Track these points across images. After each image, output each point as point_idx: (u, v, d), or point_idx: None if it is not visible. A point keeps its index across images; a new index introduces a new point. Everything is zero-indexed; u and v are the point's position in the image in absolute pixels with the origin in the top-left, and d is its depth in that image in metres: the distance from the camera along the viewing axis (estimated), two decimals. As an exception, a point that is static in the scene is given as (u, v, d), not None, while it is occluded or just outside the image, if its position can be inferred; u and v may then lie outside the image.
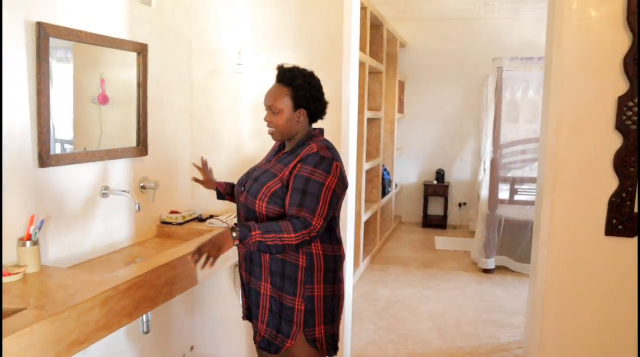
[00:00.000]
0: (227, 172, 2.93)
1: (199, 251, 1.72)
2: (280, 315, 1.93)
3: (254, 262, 1.96)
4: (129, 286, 1.85)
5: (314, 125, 2.07)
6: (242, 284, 2.11)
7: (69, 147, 2.28)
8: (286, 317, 1.92)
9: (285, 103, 1.94)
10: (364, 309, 4.15)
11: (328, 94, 2.89)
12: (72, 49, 2.28)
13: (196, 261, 1.72)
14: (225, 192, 2.31)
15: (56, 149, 2.18)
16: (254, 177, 1.98)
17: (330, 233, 1.97)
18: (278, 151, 2.09)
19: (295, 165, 1.89)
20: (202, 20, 3.01)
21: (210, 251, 1.73)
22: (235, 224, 1.80)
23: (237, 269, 2.13)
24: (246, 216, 1.97)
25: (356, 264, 4.89)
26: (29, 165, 2.03)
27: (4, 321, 1.48)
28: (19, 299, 1.69)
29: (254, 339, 2.06)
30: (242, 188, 2.01)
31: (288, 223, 1.78)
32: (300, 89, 1.95)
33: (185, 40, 2.99)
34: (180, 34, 2.94)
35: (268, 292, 1.94)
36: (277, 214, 1.88)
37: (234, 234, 1.74)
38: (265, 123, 2.00)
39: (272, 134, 2.00)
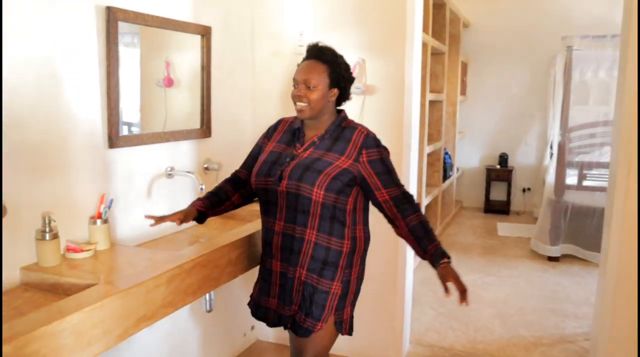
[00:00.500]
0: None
1: (464, 289, 1.75)
2: (312, 300, 1.92)
3: (294, 251, 1.93)
4: (193, 265, 1.89)
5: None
6: (268, 276, 2.02)
7: (136, 130, 2.35)
8: (318, 302, 1.92)
9: (322, 79, 1.88)
10: (423, 294, 4.10)
11: (390, 76, 2.86)
12: (139, 34, 2.34)
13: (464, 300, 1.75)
14: (210, 207, 2.09)
15: (124, 130, 2.25)
16: (302, 165, 1.88)
17: (365, 214, 2.02)
18: (294, 134, 2.00)
19: (359, 154, 1.88)
20: (264, 2, 3.01)
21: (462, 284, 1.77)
22: (431, 254, 1.85)
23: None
24: (288, 205, 1.90)
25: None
26: (100, 146, 2.09)
27: (76, 295, 1.54)
28: (91, 274, 1.76)
29: (280, 323, 2.03)
30: (279, 177, 1.90)
31: (415, 204, 1.91)
32: (338, 68, 1.92)
33: (248, 23, 3.00)
34: (243, 16, 2.95)
35: (302, 278, 1.93)
36: (331, 201, 1.87)
37: (448, 260, 1.83)
38: (294, 98, 1.91)
39: (301, 110, 1.90)
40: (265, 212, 1.99)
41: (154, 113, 2.53)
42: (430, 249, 1.84)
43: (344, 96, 1.98)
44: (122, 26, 2.16)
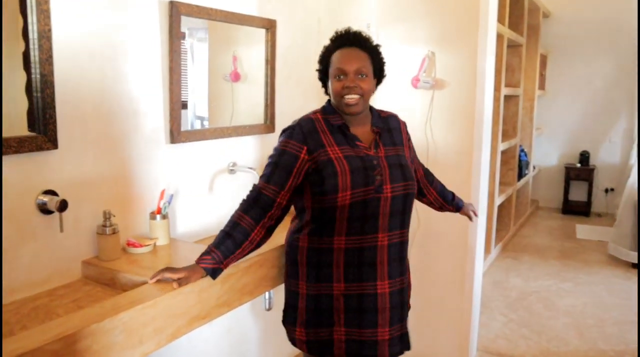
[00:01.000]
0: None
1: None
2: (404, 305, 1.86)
3: (403, 257, 1.80)
4: (250, 264, 1.85)
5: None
6: (372, 303, 1.73)
7: (204, 124, 2.36)
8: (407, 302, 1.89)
9: (370, 68, 1.71)
10: (494, 299, 3.91)
11: (461, 70, 2.72)
12: (207, 28, 2.34)
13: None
14: (226, 256, 1.65)
15: (190, 125, 2.26)
16: (394, 163, 1.72)
17: None
18: (342, 133, 1.72)
19: (408, 139, 1.90)
20: (330, -6, 2.93)
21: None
22: (456, 200, 2.13)
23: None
24: (393, 211, 1.70)
25: (487, 250, 4.63)
26: (161, 141, 2.09)
27: (129, 293, 1.53)
28: (148, 270, 1.75)
29: (399, 353, 1.82)
30: (380, 183, 1.67)
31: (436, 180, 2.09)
32: (378, 56, 1.76)
33: (314, 15, 2.93)
34: (309, 9, 2.88)
35: (407, 285, 1.86)
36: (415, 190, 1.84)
37: None
38: (343, 90, 1.67)
39: (355, 103, 1.66)
40: (361, 231, 1.68)
41: (221, 108, 2.54)
42: (454, 198, 2.12)
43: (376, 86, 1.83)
44: (191, 20, 2.17)
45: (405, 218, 1.77)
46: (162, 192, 2.03)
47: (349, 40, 1.71)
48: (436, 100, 2.73)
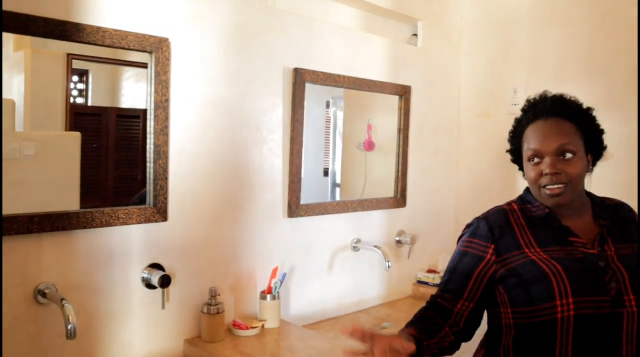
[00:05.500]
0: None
1: None
2: None
3: None
4: (361, 360, 1.60)
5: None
6: None
7: (336, 193, 2.31)
8: None
9: (580, 144, 1.27)
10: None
11: (622, 139, 2.28)
12: (342, 97, 2.27)
13: None
14: (425, 338, 1.23)
15: (335, 194, 2.27)
16: (631, 266, 1.23)
17: None
18: (551, 228, 1.30)
19: None
20: (473, 58, 2.69)
21: None
22: None
23: None
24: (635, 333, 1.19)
25: None
26: (278, 215, 1.96)
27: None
28: (249, 358, 1.59)
29: None
30: (619, 294, 1.19)
31: None
32: (591, 125, 1.33)
33: (454, 80, 2.71)
34: (448, 74, 2.67)
35: None
36: None
37: None
38: (540, 178, 1.27)
39: (560, 193, 1.25)
40: None
41: (355, 177, 2.44)
42: None
43: (594, 162, 1.37)
44: (333, 90, 2.17)
45: None
46: (275, 270, 1.88)
47: (546, 109, 1.31)
48: (596, 174, 2.32)
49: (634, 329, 1.17)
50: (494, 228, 1.31)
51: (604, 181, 2.33)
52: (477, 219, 1.36)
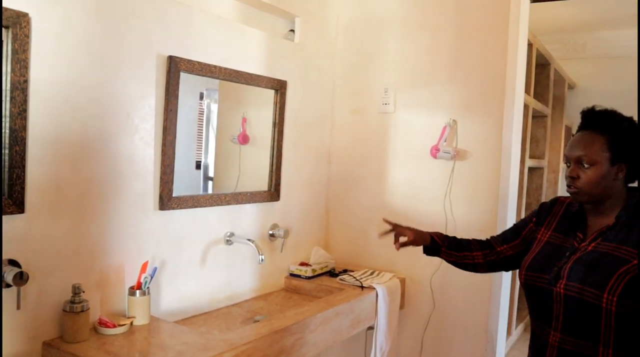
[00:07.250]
0: (365, 226, 2.64)
1: None
2: None
3: None
4: (235, 354, 1.59)
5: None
6: None
7: (208, 188, 2.25)
8: None
9: (601, 155, 1.47)
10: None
11: (486, 140, 2.51)
12: (217, 89, 2.23)
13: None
14: (446, 245, 1.80)
15: (207, 187, 2.19)
16: (586, 261, 1.44)
17: None
18: (574, 220, 1.58)
19: None
20: (347, 56, 2.78)
21: None
22: None
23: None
24: (567, 312, 1.45)
25: (508, 333, 4.27)
26: (148, 207, 1.88)
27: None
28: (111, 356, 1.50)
29: None
30: (556, 276, 1.48)
31: None
32: (623, 137, 1.48)
33: (328, 77, 2.77)
34: (323, 71, 2.73)
35: None
36: (630, 312, 1.37)
37: None
38: (566, 180, 1.54)
39: (574, 193, 1.51)
40: (537, 316, 1.56)
41: (229, 171, 2.39)
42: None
43: (636, 171, 1.52)
44: (207, 81, 2.11)
45: (584, 329, 1.43)
46: (145, 265, 1.81)
47: (585, 122, 1.56)
48: (457, 172, 2.50)
49: (562, 304, 1.45)
50: (542, 210, 1.70)
51: (465, 175, 2.51)
52: (542, 203, 1.75)
